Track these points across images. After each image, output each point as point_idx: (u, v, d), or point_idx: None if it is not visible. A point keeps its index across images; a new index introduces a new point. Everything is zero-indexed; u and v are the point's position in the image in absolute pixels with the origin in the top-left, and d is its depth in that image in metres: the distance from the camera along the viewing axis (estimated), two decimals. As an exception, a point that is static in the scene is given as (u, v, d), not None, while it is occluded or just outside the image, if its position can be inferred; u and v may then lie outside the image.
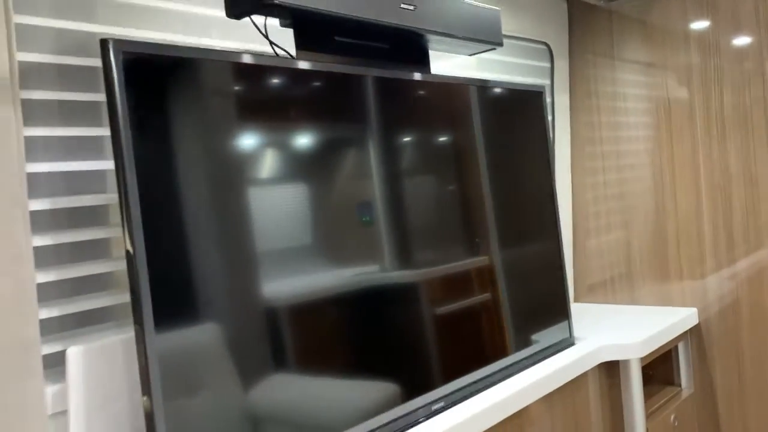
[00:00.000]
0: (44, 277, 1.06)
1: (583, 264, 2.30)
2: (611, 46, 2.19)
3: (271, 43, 1.24)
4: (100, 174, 1.16)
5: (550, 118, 2.24)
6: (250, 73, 1.09)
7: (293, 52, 1.23)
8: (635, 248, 2.18)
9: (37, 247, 1.07)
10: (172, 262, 0.96)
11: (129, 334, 1.07)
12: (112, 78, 0.93)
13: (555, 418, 1.55)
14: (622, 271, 2.21)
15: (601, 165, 2.25)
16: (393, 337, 1.25)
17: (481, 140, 1.55)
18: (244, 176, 1.07)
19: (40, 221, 1.09)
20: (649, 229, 2.15)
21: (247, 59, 1.09)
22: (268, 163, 1.11)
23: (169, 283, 0.96)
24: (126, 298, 1.16)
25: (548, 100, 2.24)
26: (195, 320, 0.98)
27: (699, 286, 2.05)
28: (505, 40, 2.07)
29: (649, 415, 1.83)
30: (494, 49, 1.57)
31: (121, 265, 1.16)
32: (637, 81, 2.14)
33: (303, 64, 1.18)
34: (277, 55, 1.24)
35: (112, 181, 1.17)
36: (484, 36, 1.50)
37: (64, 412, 1.05)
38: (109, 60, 0.93)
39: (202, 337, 0.99)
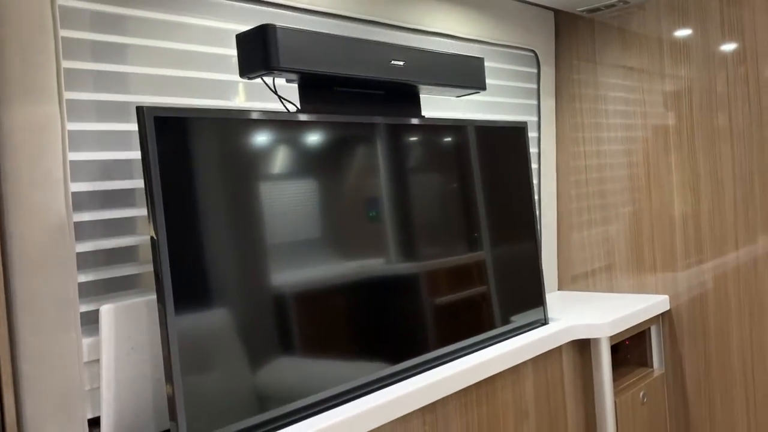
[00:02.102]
0: (82, 247, 1.26)
1: (567, 256, 2.47)
2: (593, 52, 2.37)
3: (280, 98, 1.42)
4: (128, 162, 1.36)
5: (536, 119, 2.42)
6: (257, 125, 1.27)
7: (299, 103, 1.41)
8: (614, 241, 2.35)
9: (77, 222, 1.27)
10: (192, 252, 1.15)
11: (152, 296, 1.27)
12: (145, 131, 1.13)
13: (527, 387, 1.72)
14: (603, 262, 2.39)
15: (584, 164, 2.42)
16: (394, 314, 1.44)
17: (477, 167, 1.73)
18: (260, 181, 1.26)
19: (80, 201, 1.29)
20: (626, 224, 2.32)
21: (255, 116, 1.27)
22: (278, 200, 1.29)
23: (190, 269, 1.15)
24: (148, 268, 1.36)
25: (534, 102, 2.42)
26: (212, 302, 1.17)
27: (671, 276, 2.22)
28: (495, 48, 2.25)
29: (619, 391, 2.01)
30: (478, 92, 1.74)
31: (146, 240, 1.36)
32: (617, 85, 2.32)
33: (304, 117, 1.35)
34: (287, 109, 1.41)
35: (138, 169, 1.37)
36: (469, 83, 1.67)
37: (96, 361, 1.25)
38: (143, 120, 1.12)
39: (217, 317, 1.18)
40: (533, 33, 2.34)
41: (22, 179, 1.11)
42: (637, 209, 2.29)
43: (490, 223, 1.77)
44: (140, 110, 1.12)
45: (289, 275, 1.28)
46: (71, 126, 1.26)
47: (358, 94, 1.49)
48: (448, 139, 1.68)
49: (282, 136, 1.30)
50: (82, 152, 1.28)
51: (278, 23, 1.50)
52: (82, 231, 1.29)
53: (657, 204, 2.25)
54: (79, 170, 1.28)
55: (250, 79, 1.30)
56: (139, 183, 1.36)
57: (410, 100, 1.63)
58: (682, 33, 2.16)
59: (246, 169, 1.24)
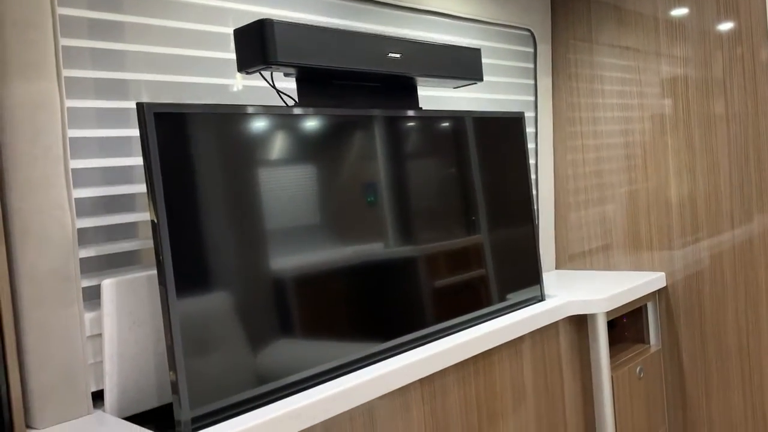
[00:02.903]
0: (83, 223, 1.27)
1: (565, 235, 2.49)
2: (590, 31, 2.37)
3: (278, 91, 1.43)
4: (127, 140, 1.37)
5: (533, 99, 2.43)
6: (254, 118, 1.26)
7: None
8: (611, 221, 2.37)
9: (78, 198, 1.29)
10: (193, 235, 1.17)
11: (153, 271, 1.29)
12: (145, 126, 1.13)
13: (524, 362, 1.75)
14: (600, 242, 2.40)
15: (581, 144, 2.43)
16: (393, 293, 1.46)
17: (474, 152, 1.74)
18: (260, 167, 1.27)
19: (80, 178, 1.30)
20: (624, 203, 2.34)
21: (251, 110, 1.27)
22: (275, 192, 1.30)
23: (190, 253, 1.17)
24: (148, 243, 1.38)
25: (531, 82, 2.43)
26: (213, 283, 1.19)
27: (667, 254, 2.24)
28: (491, 27, 2.26)
29: (615, 366, 2.03)
30: (475, 83, 1.75)
31: (146, 217, 1.38)
32: (613, 64, 2.32)
33: (301, 111, 1.35)
34: (285, 103, 1.42)
35: (138, 147, 1.38)
36: (466, 73, 1.68)
37: (100, 335, 1.27)
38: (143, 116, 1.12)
39: (218, 297, 1.19)
40: (529, 12, 2.35)
41: (23, 156, 1.12)
42: (634, 189, 2.31)
43: (488, 205, 1.79)
44: (140, 106, 1.12)
45: (293, 257, 1.29)
46: (70, 103, 1.27)
47: (356, 87, 1.50)
48: (446, 125, 1.68)
49: (280, 128, 1.31)
50: (82, 129, 1.29)
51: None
52: (83, 208, 1.30)
53: (654, 183, 2.26)
54: (79, 148, 1.29)
55: (248, 73, 1.32)
56: (138, 160, 1.37)
57: (407, 91, 1.63)
58: (678, 12, 2.17)
59: (245, 155, 1.25)
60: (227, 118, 1.22)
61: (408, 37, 1.96)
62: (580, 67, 2.40)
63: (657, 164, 2.25)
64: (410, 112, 1.58)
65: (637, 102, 2.28)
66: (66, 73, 1.27)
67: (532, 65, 2.43)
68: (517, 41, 2.37)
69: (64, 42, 1.26)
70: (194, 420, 1.12)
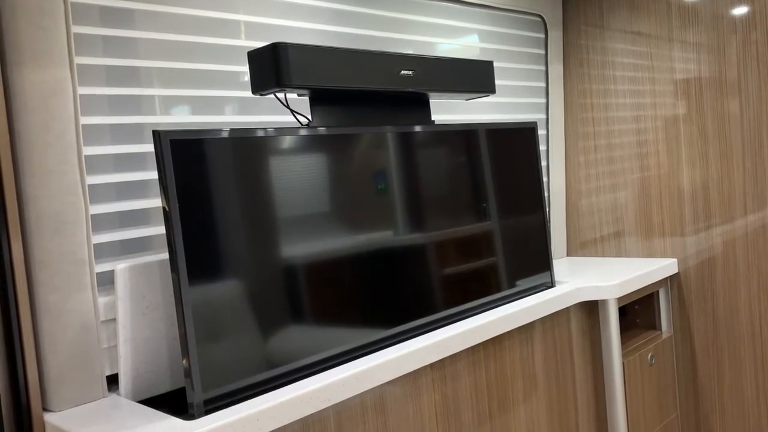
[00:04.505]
0: (96, 209, 1.29)
1: (576, 222, 2.48)
2: (601, 17, 2.35)
3: (292, 111, 1.44)
4: (140, 126, 1.38)
5: (544, 85, 2.42)
6: (265, 141, 1.27)
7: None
8: (623, 207, 2.36)
9: (92, 185, 1.30)
10: (205, 225, 1.18)
11: (165, 256, 1.30)
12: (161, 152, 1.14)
13: (535, 348, 1.75)
14: (611, 228, 2.40)
15: (592, 130, 2.42)
16: (404, 279, 1.47)
17: (485, 150, 1.74)
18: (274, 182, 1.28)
19: (94, 165, 1.32)
20: (635, 190, 2.32)
21: (260, 133, 1.27)
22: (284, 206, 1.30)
23: (202, 240, 1.18)
24: (161, 230, 1.39)
25: (542, 68, 2.41)
26: (224, 272, 1.20)
27: (679, 240, 2.23)
28: (502, 13, 2.24)
29: (627, 353, 2.03)
30: (488, 95, 1.75)
31: (158, 203, 1.39)
32: (625, 50, 2.31)
33: (314, 131, 1.35)
34: (299, 122, 1.43)
35: (149, 133, 1.39)
36: (478, 86, 1.68)
37: (114, 320, 1.29)
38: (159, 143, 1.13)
39: (229, 286, 1.21)
40: (540, -2, 2.33)
41: (36, 142, 1.14)
42: (646, 175, 2.29)
43: (498, 192, 1.79)
44: (156, 133, 1.13)
45: (303, 244, 1.30)
46: (83, 90, 1.28)
47: (368, 104, 1.51)
48: (459, 134, 1.68)
49: (294, 145, 1.32)
50: (94, 116, 1.30)
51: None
52: (95, 194, 1.32)
53: (666, 170, 2.25)
54: (90, 135, 1.30)
55: (262, 95, 1.33)
56: (150, 147, 1.38)
57: (420, 106, 1.64)
58: (691, -5, 2.15)
59: (257, 161, 1.26)
60: (241, 142, 1.22)
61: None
62: (592, 53, 2.38)
63: (669, 151, 2.23)
64: (423, 127, 1.58)
65: (649, 88, 2.26)
66: (78, 60, 1.28)
67: (543, 51, 2.41)
68: (528, 27, 2.35)
69: (76, 30, 1.27)
70: (206, 402, 1.13)
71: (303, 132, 1.33)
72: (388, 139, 1.49)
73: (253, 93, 1.32)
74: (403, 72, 1.48)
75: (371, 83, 1.42)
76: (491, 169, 1.76)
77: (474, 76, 1.67)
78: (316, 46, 1.32)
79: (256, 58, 1.30)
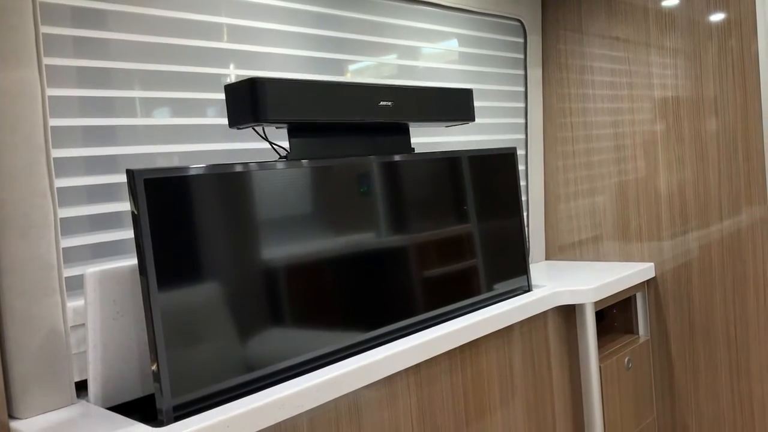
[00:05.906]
0: (66, 213, 1.27)
1: (555, 226, 2.49)
2: (579, 21, 2.36)
3: (271, 143, 1.43)
4: (111, 128, 1.36)
5: (522, 90, 2.43)
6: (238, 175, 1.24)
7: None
8: (601, 212, 2.37)
9: (61, 188, 1.28)
10: (176, 227, 1.16)
11: (136, 261, 1.28)
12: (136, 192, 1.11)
13: (512, 352, 1.75)
14: (590, 232, 2.41)
15: (571, 135, 2.43)
16: (381, 282, 1.46)
17: (467, 169, 1.73)
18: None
19: (64, 167, 1.29)
20: (613, 195, 2.34)
21: (238, 168, 1.25)
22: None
23: (171, 242, 1.16)
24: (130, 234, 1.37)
25: (521, 72, 2.42)
26: (196, 275, 1.18)
27: (656, 244, 2.25)
28: (480, 17, 2.25)
29: (604, 357, 2.04)
30: (467, 123, 1.75)
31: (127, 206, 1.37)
32: (603, 55, 2.32)
33: (292, 164, 1.34)
34: (278, 153, 1.41)
35: (123, 136, 1.37)
36: (457, 115, 1.68)
37: (83, 325, 1.27)
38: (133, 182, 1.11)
39: (201, 289, 1.19)
40: (519, 2, 2.34)
41: (3, 144, 1.11)
42: (624, 180, 2.31)
43: (477, 197, 1.78)
44: (130, 173, 1.10)
45: (278, 247, 1.29)
46: (53, 92, 1.26)
47: (347, 135, 1.50)
48: (442, 163, 1.67)
49: (271, 175, 1.31)
50: (64, 118, 1.28)
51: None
52: (64, 197, 1.29)
53: (643, 174, 2.26)
54: (60, 137, 1.28)
55: (239, 129, 1.32)
56: (123, 149, 1.36)
57: (400, 134, 1.63)
58: (669, 2, 2.16)
59: (235, 190, 1.24)
60: (219, 178, 1.20)
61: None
62: (571, 58, 2.40)
63: (646, 155, 2.25)
64: (402, 157, 1.58)
65: (627, 93, 2.28)
66: (48, 61, 1.26)
67: (521, 56, 2.42)
68: (506, 31, 2.36)
69: (45, 30, 1.25)
70: (176, 408, 1.12)
71: (280, 166, 1.32)
72: (369, 169, 1.48)
73: (230, 126, 1.30)
74: (382, 103, 1.47)
75: (350, 115, 1.41)
76: (471, 187, 1.76)
77: (453, 105, 1.67)
78: (293, 79, 1.31)
79: (232, 92, 1.28)
